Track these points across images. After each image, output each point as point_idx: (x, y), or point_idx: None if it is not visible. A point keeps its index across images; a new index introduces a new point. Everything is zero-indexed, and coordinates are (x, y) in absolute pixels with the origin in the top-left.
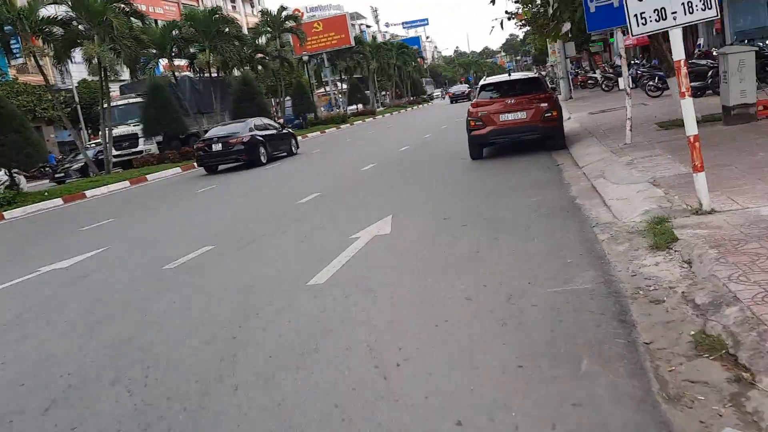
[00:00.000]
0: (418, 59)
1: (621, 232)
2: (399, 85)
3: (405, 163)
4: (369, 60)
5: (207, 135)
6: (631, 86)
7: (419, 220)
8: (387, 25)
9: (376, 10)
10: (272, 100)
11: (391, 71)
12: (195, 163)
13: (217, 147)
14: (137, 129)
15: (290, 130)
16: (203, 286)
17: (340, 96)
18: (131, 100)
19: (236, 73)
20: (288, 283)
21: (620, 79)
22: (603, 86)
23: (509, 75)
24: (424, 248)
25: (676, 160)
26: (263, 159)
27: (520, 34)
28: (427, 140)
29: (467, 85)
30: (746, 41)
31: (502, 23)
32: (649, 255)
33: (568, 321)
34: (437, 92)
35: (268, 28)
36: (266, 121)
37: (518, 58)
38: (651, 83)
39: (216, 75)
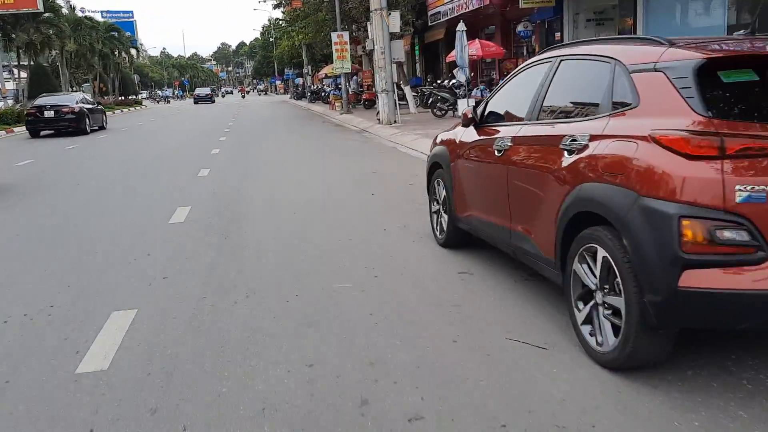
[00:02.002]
0: (132, 49)
1: None
2: (104, 78)
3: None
4: (65, 38)
5: (37, 102)
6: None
7: None
8: (82, 10)
9: None
10: None
11: (95, 60)
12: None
13: (49, 114)
14: None
15: (101, 105)
16: None
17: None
18: None
19: None
20: None
21: (461, 102)
22: (436, 109)
23: (755, 36)
24: None
25: None
26: (88, 129)
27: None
28: (217, 189)
29: (209, 88)
30: None
31: (281, 3)
32: None
33: None
34: (143, 94)
35: None
36: (85, 95)
37: (230, 68)
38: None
39: None
